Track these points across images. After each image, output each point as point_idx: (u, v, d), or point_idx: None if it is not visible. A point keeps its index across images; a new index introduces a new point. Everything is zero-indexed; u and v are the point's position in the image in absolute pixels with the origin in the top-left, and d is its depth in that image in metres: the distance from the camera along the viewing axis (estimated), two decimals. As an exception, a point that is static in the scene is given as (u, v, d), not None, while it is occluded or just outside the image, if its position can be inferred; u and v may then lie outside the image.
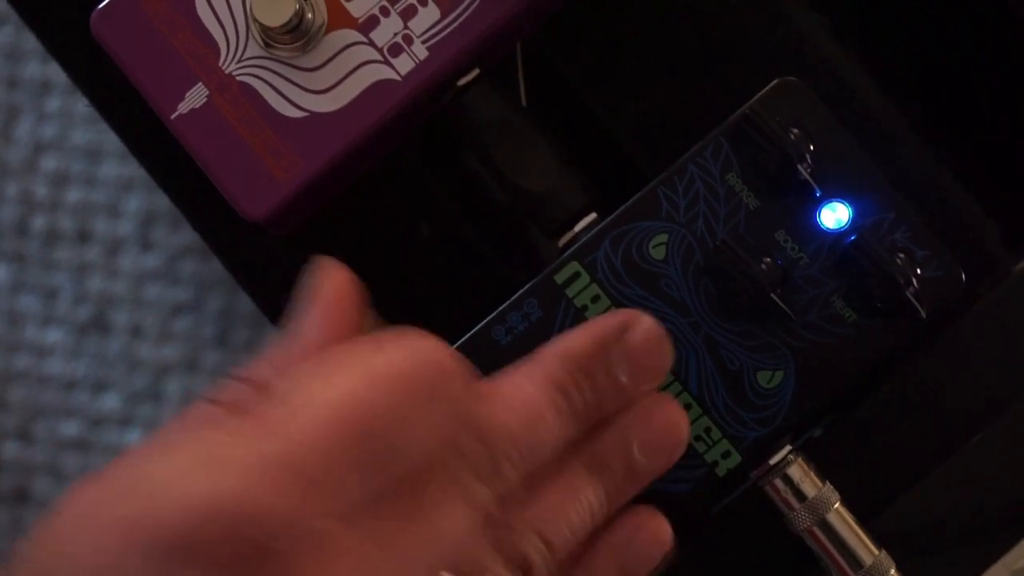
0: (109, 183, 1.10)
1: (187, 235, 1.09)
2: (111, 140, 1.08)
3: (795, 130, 0.46)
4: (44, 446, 1.09)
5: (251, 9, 0.46)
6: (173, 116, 0.47)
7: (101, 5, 0.47)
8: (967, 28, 0.53)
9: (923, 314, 0.46)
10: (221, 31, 0.47)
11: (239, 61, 0.47)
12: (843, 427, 0.50)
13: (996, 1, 0.50)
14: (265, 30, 0.46)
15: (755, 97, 0.46)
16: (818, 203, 0.46)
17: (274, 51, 0.47)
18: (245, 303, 1.08)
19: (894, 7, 0.53)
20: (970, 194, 0.52)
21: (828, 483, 0.47)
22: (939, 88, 0.54)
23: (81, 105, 1.07)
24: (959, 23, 0.53)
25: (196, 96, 0.47)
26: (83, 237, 1.10)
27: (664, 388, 0.46)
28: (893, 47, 0.53)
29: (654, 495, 0.47)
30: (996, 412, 0.50)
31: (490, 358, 0.47)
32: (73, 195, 1.09)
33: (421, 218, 0.50)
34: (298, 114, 0.47)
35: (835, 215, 0.46)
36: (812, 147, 0.46)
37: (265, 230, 0.49)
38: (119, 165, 1.09)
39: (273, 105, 0.47)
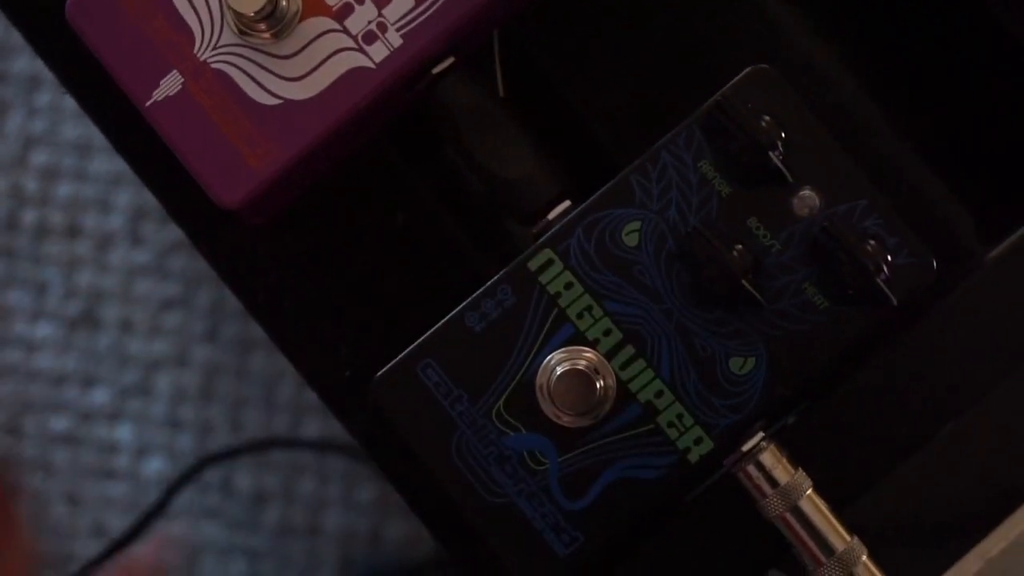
0: (99, 178, 1.10)
1: (177, 231, 1.09)
2: (101, 135, 1.08)
3: (767, 118, 0.46)
4: (34, 441, 1.09)
5: (225, -4, 0.46)
6: (148, 104, 0.47)
7: (75, -7, 0.47)
8: (942, 21, 0.53)
9: (894, 301, 0.46)
10: (196, 18, 0.47)
11: (213, 48, 0.47)
12: (816, 414, 0.50)
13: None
14: (239, 17, 0.46)
15: (727, 85, 0.47)
16: (790, 190, 0.47)
17: (248, 38, 0.47)
18: (235, 299, 1.09)
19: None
20: (944, 185, 0.52)
21: (801, 470, 0.48)
22: (913, 80, 0.54)
23: (70, 100, 1.07)
24: (934, 16, 0.53)
25: (171, 84, 0.47)
26: (73, 232, 1.10)
27: (637, 375, 0.47)
28: (868, 39, 0.53)
29: (627, 482, 0.47)
30: (969, 401, 0.50)
31: (464, 345, 0.47)
32: (63, 190, 1.10)
33: (396, 206, 0.50)
34: (273, 101, 0.47)
35: (807, 203, 0.47)
36: (784, 135, 0.46)
37: (241, 220, 0.49)
38: (109, 160, 1.09)
39: (248, 92, 0.47)
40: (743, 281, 0.46)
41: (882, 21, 0.54)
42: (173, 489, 1.03)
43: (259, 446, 1.07)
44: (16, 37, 1.08)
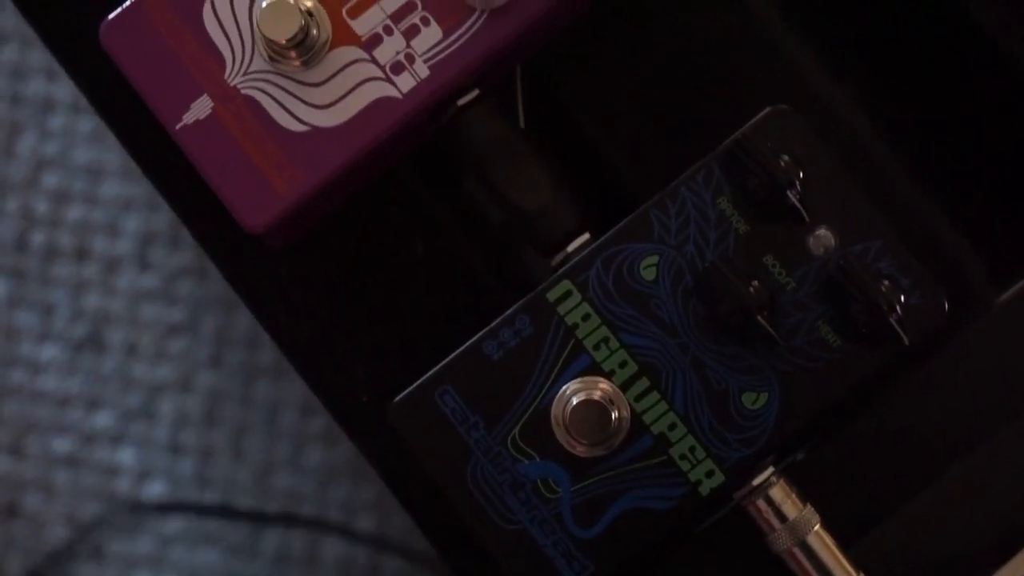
0: (109, 202, 1.11)
1: (185, 256, 1.10)
2: (113, 159, 1.09)
3: (785, 157, 0.47)
4: (36, 462, 1.09)
5: (257, 23, 0.47)
6: (177, 127, 0.48)
7: (110, 16, 0.48)
8: (959, 65, 0.54)
9: (906, 341, 0.47)
10: (227, 44, 0.48)
11: (244, 74, 0.48)
12: (826, 451, 0.51)
13: (987, 40, 0.51)
14: (271, 44, 0.47)
15: (747, 124, 0.47)
16: (806, 229, 0.47)
17: (279, 65, 0.48)
18: (240, 325, 1.09)
19: (885, 41, 0.54)
20: (957, 228, 0.53)
21: (809, 505, 0.48)
22: (929, 122, 0.55)
23: (84, 123, 1.08)
24: (951, 59, 0.54)
25: (201, 107, 0.48)
26: (82, 254, 1.10)
27: (651, 407, 0.47)
28: (884, 80, 0.54)
29: (638, 512, 0.47)
30: (977, 440, 0.51)
31: (481, 372, 0.48)
32: (73, 212, 1.10)
33: (417, 234, 0.51)
34: (300, 128, 0.48)
35: (822, 242, 0.47)
36: (802, 174, 0.47)
37: (265, 243, 0.49)
38: (120, 184, 1.10)
39: (276, 118, 0.48)
40: (758, 317, 0.47)
41: (899, 63, 0.55)
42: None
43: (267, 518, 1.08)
44: (32, 59, 1.09)
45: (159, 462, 1.09)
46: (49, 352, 1.10)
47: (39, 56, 1.08)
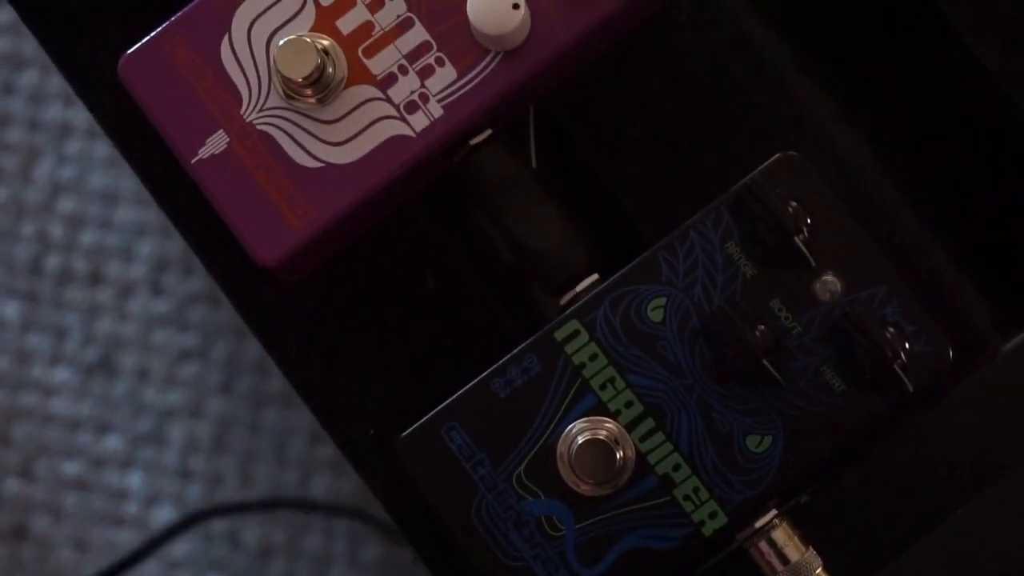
0: (124, 227, 1.11)
1: (197, 282, 1.10)
2: (128, 185, 1.10)
3: (793, 203, 0.47)
4: (45, 484, 1.10)
5: (274, 61, 0.48)
6: (193, 161, 0.49)
7: (130, 50, 0.49)
8: (968, 113, 0.55)
9: (910, 387, 0.47)
10: (244, 80, 0.48)
11: (260, 110, 0.48)
12: (829, 495, 0.51)
13: (998, 89, 0.52)
14: (287, 82, 0.48)
15: (757, 169, 0.48)
16: (813, 274, 0.48)
17: (294, 102, 0.48)
18: (251, 352, 1.10)
19: (896, 88, 0.55)
20: (963, 275, 0.54)
21: (811, 549, 0.49)
22: (938, 169, 0.55)
23: (100, 149, 1.09)
24: (961, 108, 0.55)
25: (216, 142, 0.48)
26: (95, 279, 1.11)
27: (656, 447, 0.48)
28: (894, 126, 0.55)
29: (641, 552, 0.48)
30: (980, 487, 0.51)
31: (488, 409, 0.48)
32: (88, 237, 1.11)
33: (428, 270, 0.52)
34: (314, 164, 0.48)
35: (829, 287, 0.48)
36: (809, 220, 0.47)
37: (277, 276, 0.50)
38: (134, 210, 1.11)
39: (290, 154, 0.48)
40: (764, 361, 0.47)
41: (909, 110, 0.55)
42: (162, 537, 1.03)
43: (264, 505, 1.08)
44: (50, 85, 1.10)
45: (168, 487, 1.10)
46: (61, 375, 1.11)
47: (57, 82, 1.09)
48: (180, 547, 1.09)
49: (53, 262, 1.12)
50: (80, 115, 1.13)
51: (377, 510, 1.04)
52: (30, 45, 1.11)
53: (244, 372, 1.11)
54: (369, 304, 0.52)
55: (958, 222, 0.55)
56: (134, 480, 1.11)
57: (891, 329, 0.47)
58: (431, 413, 0.48)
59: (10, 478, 1.11)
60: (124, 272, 1.13)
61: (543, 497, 0.48)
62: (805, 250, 0.47)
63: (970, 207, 0.55)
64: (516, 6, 0.47)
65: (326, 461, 1.09)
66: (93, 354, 1.12)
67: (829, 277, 0.48)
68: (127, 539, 1.10)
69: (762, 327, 0.47)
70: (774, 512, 0.49)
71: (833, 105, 0.53)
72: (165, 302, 1.12)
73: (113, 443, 1.11)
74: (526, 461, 0.48)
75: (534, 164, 0.52)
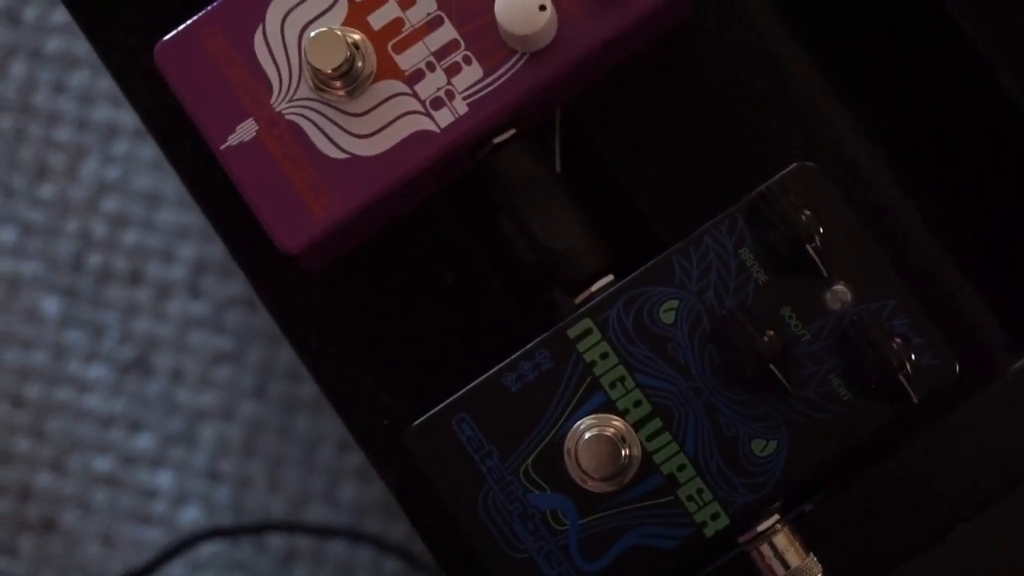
0: (166, 229, 1.13)
1: (235, 286, 1.12)
2: (171, 187, 1.11)
3: (807, 212, 0.48)
4: (76, 479, 1.11)
5: (305, 52, 0.49)
6: (222, 147, 0.50)
7: (166, 37, 0.50)
8: (988, 133, 0.55)
9: (915, 399, 0.48)
10: (275, 70, 0.50)
11: (289, 100, 0.50)
12: (832, 504, 0.52)
13: (1018, 110, 0.52)
14: (317, 73, 0.49)
15: (773, 178, 0.49)
16: (824, 284, 0.49)
17: (323, 94, 0.49)
18: (284, 357, 1.11)
19: (917, 104, 0.56)
20: (977, 294, 0.54)
21: (812, 555, 0.49)
22: (956, 187, 0.56)
23: (146, 150, 1.10)
24: (981, 128, 0.55)
25: (246, 130, 0.50)
26: (135, 278, 1.13)
27: (662, 447, 0.48)
28: (913, 142, 0.55)
29: (643, 549, 0.48)
30: (983, 503, 0.51)
31: (499, 403, 0.49)
32: (130, 237, 1.13)
33: (447, 265, 0.53)
34: (340, 155, 0.49)
35: (839, 297, 0.49)
36: (822, 230, 0.48)
37: (301, 265, 0.51)
38: (177, 212, 1.12)
39: (317, 145, 0.49)
40: (771, 366, 0.48)
41: (929, 127, 0.56)
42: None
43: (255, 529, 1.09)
44: (100, 86, 1.12)
45: (196, 488, 1.11)
46: (96, 372, 1.12)
47: (107, 83, 1.11)
48: (206, 549, 1.10)
49: (94, 260, 1.14)
50: (128, 116, 1.14)
51: (396, 532, 1.05)
52: (82, 46, 1.13)
53: (277, 377, 1.12)
54: (389, 296, 0.53)
55: (975, 241, 0.55)
56: (163, 479, 1.12)
57: (898, 340, 0.48)
58: (442, 404, 0.49)
59: (42, 471, 1.13)
60: (164, 273, 1.14)
61: (549, 491, 0.49)
62: (817, 259, 0.48)
63: (988, 226, 0.56)
64: (543, 8, 0.48)
65: (354, 469, 1.10)
66: (129, 353, 1.13)
67: (840, 287, 0.49)
68: (154, 537, 1.11)
69: (771, 333, 0.48)
70: (777, 517, 0.49)
71: (854, 120, 0.54)
72: (203, 304, 1.14)
73: (144, 442, 1.13)
74: (534, 455, 0.49)
75: (559, 168, 0.53)
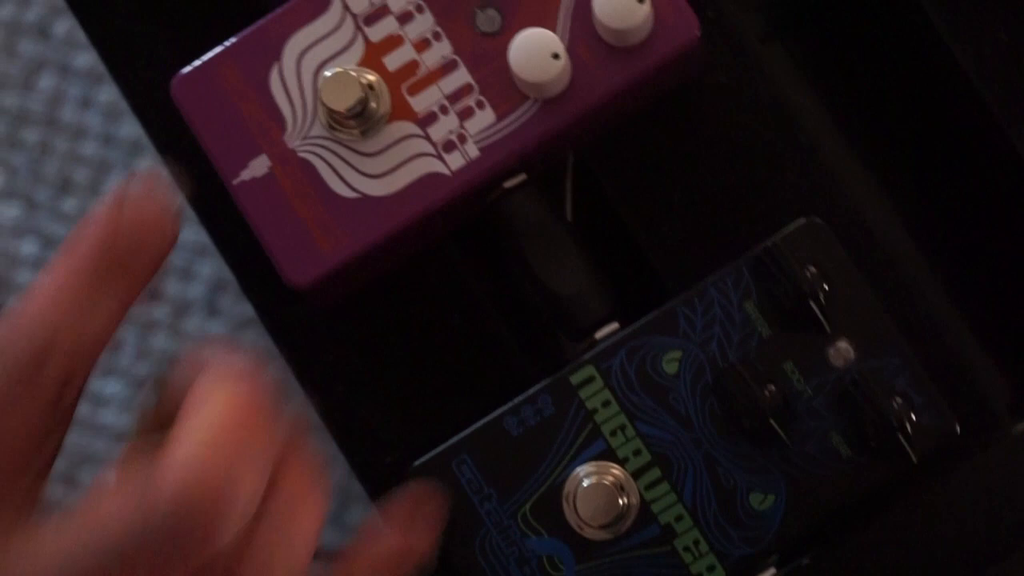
0: (186, 246, 1.13)
1: (252, 307, 1.12)
2: (191, 207, 1.12)
3: (812, 268, 0.48)
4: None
5: (320, 92, 0.49)
6: (235, 182, 0.50)
7: (183, 71, 0.50)
8: (1002, 193, 0.55)
9: (914, 458, 0.48)
10: (290, 108, 0.50)
11: (303, 138, 0.50)
12: (830, 559, 0.52)
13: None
14: (331, 113, 0.49)
15: (779, 233, 0.49)
16: (827, 340, 0.49)
17: (336, 133, 0.50)
18: (296, 380, 1.11)
19: (930, 160, 0.56)
20: (984, 353, 0.54)
21: (807, 610, 0.49)
22: (968, 245, 0.56)
23: (169, 168, 1.11)
24: (993, 186, 0.55)
25: (258, 166, 0.50)
26: (153, 295, 1.13)
27: (660, 496, 0.49)
28: (925, 202, 0.56)
29: (639, 598, 0.49)
30: (981, 564, 0.51)
31: (500, 446, 0.49)
32: (150, 254, 1.13)
33: (453, 306, 0.53)
34: (350, 194, 0.50)
35: (842, 354, 0.49)
36: (827, 286, 0.48)
37: (308, 301, 0.51)
38: (197, 230, 1.12)
39: (328, 183, 0.50)
40: (771, 420, 0.48)
41: (941, 186, 0.56)
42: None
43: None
44: (126, 104, 1.12)
45: (206, 506, 1.11)
46: (112, 388, 1.13)
47: (134, 100, 1.11)
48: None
49: (114, 276, 1.14)
50: (153, 134, 1.14)
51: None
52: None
53: (290, 400, 1.12)
54: (396, 336, 0.53)
55: (984, 300, 0.55)
56: (175, 496, 1.12)
57: (899, 399, 0.48)
58: (444, 445, 0.50)
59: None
60: (182, 291, 1.15)
61: (546, 536, 0.49)
62: (821, 315, 0.48)
63: (998, 286, 0.56)
64: (556, 56, 0.49)
65: (363, 494, 1.10)
66: (144, 369, 1.14)
67: (843, 344, 0.49)
68: (162, 553, 1.11)
69: (772, 387, 0.48)
70: (773, 571, 0.49)
71: (865, 176, 0.54)
72: (219, 323, 1.14)
73: (157, 458, 1.12)
74: (532, 500, 0.49)
75: (569, 216, 0.53)
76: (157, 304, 1.13)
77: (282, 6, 0.50)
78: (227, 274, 1.15)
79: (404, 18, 0.50)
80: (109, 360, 1.13)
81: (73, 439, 1.12)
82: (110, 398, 1.13)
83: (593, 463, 0.49)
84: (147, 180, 0.45)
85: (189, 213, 1.14)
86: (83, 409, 1.12)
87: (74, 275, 0.44)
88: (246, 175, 0.50)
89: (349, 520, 1.10)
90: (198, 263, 1.14)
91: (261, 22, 0.50)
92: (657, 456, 0.49)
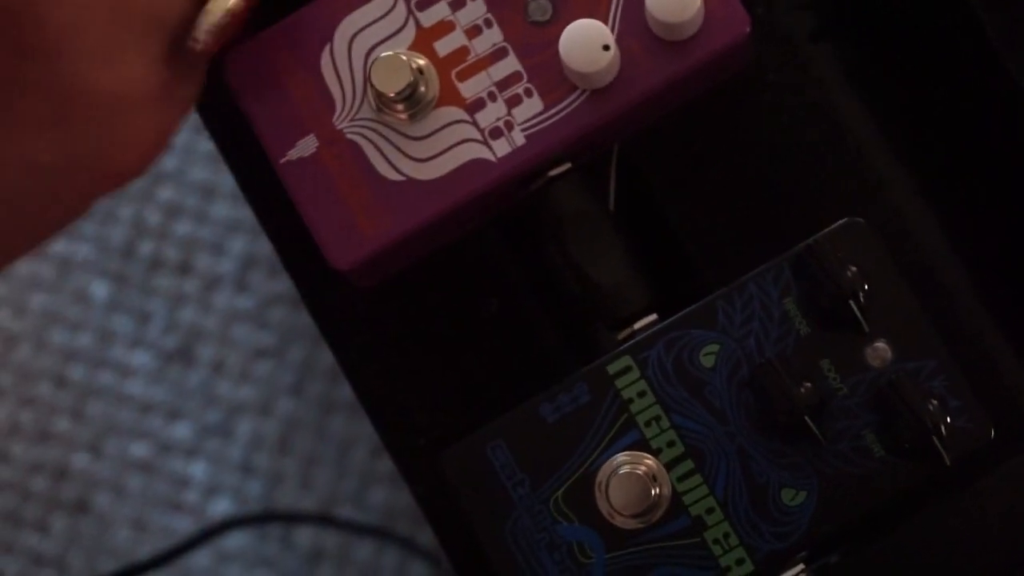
0: (218, 222, 1.14)
1: (281, 283, 1.13)
2: (226, 181, 1.12)
3: (853, 268, 0.48)
4: (112, 462, 1.12)
5: (370, 74, 0.49)
6: (282, 161, 0.50)
7: (233, 49, 0.51)
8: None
9: (947, 461, 0.48)
10: (340, 90, 0.50)
11: (351, 120, 0.50)
12: (858, 558, 0.52)
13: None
14: (380, 95, 0.50)
15: (822, 232, 0.49)
16: (865, 340, 0.49)
17: (385, 116, 0.50)
18: (325, 358, 1.12)
19: (973, 165, 0.56)
20: (1019, 359, 0.54)
21: (834, 607, 0.50)
22: (1007, 251, 0.56)
23: (203, 143, 1.12)
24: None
25: (306, 146, 0.50)
26: (184, 269, 1.14)
27: (692, 488, 0.49)
28: (968, 206, 0.56)
29: (665, 588, 0.49)
30: (1010, 569, 0.52)
31: (534, 432, 0.50)
32: (182, 227, 1.14)
33: (493, 292, 0.53)
34: (396, 177, 0.50)
35: (879, 354, 0.49)
36: (867, 287, 0.49)
37: (349, 282, 0.52)
38: (230, 206, 1.13)
39: (375, 165, 0.50)
40: (806, 418, 0.48)
41: (984, 191, 0.56)
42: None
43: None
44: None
45: (228, 480, 1.12)
46: (140, 359, 1.14)
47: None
48: (234, 540, 1.11)
49: (146, 248, 1.15)
50: (189, 108, 1.15)
51: (423, 539, 1.05)
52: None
53: (316, 377, 1.13)
54: (434, 320, 0.54)
55: (1021, 308, 0.55)
56: (197, 469, 1.13)
57: (934, 402, 0.48)
58: (479, 430, 0.50)
59: (80, 452, 1.14)
60: (212, 265, 1.15)
61: (577, 523, 0.49)
62: (859, 315, 0.48)
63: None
64: (606, 47, 0.49)
65: (385, 474, 1.11)
66: (173, 342, 1.15)
67: (881, 344, 0.49)
68: (183, 526, 1.12)
69: (808, 384, 0.48)
70: (802, 566, 0.49)
71: (908, 179, 0.54)
72: (248, 299, 1.15)
73: (182, 431, 1.14)
74: (565, 486, 0.50)
75: (612, 206, 0.54)
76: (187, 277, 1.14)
77: (335, -12, 0.50)
78: (258, 250, 1.16)
79: (456, 4, 0.50)
80: (137, 331, 1.14)
81: (99, 408, 1.13)
82: (137, 369, 1.14)
83: (627, 453, 0.49)
84: None
85: (224, 189, 1.15)
86: (109, 378, 1.13)
87: None
88: (293, 155, 0.50)
89: (371, 500, 1.10)
90: (230, 239, 1.14)
91: (314, 3, 0.51)
92: (691, 448, 0.49)
